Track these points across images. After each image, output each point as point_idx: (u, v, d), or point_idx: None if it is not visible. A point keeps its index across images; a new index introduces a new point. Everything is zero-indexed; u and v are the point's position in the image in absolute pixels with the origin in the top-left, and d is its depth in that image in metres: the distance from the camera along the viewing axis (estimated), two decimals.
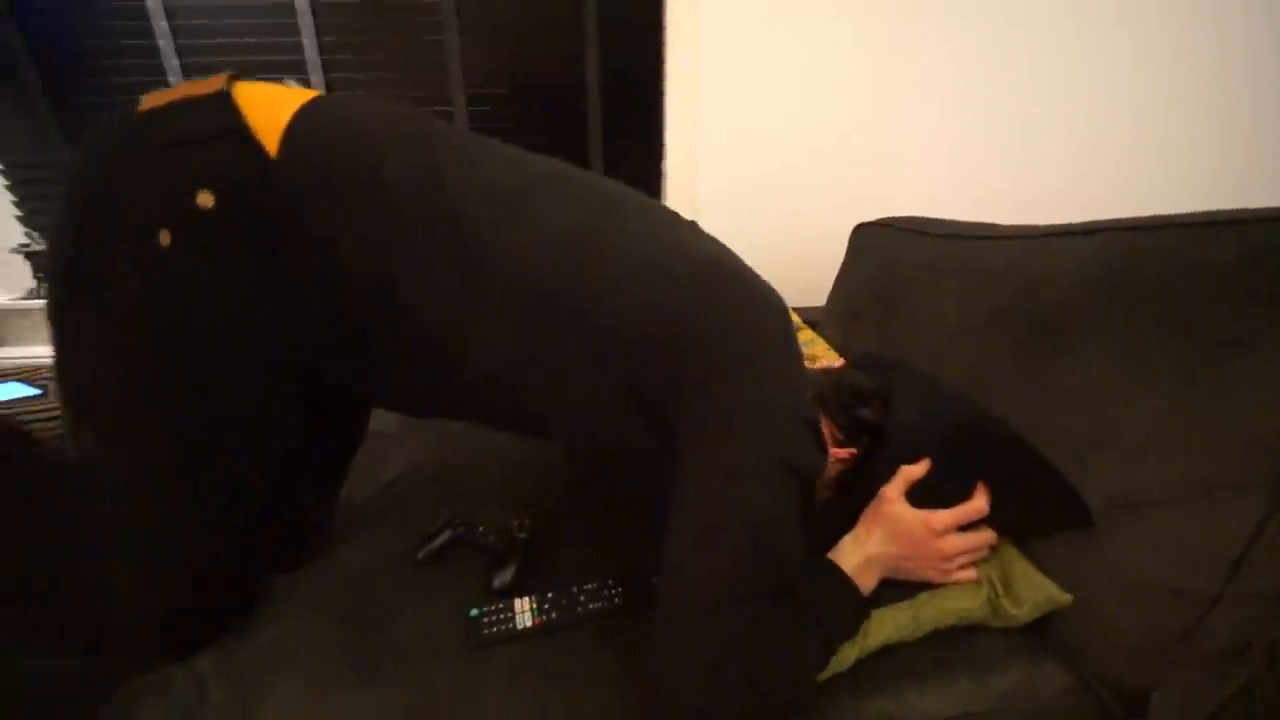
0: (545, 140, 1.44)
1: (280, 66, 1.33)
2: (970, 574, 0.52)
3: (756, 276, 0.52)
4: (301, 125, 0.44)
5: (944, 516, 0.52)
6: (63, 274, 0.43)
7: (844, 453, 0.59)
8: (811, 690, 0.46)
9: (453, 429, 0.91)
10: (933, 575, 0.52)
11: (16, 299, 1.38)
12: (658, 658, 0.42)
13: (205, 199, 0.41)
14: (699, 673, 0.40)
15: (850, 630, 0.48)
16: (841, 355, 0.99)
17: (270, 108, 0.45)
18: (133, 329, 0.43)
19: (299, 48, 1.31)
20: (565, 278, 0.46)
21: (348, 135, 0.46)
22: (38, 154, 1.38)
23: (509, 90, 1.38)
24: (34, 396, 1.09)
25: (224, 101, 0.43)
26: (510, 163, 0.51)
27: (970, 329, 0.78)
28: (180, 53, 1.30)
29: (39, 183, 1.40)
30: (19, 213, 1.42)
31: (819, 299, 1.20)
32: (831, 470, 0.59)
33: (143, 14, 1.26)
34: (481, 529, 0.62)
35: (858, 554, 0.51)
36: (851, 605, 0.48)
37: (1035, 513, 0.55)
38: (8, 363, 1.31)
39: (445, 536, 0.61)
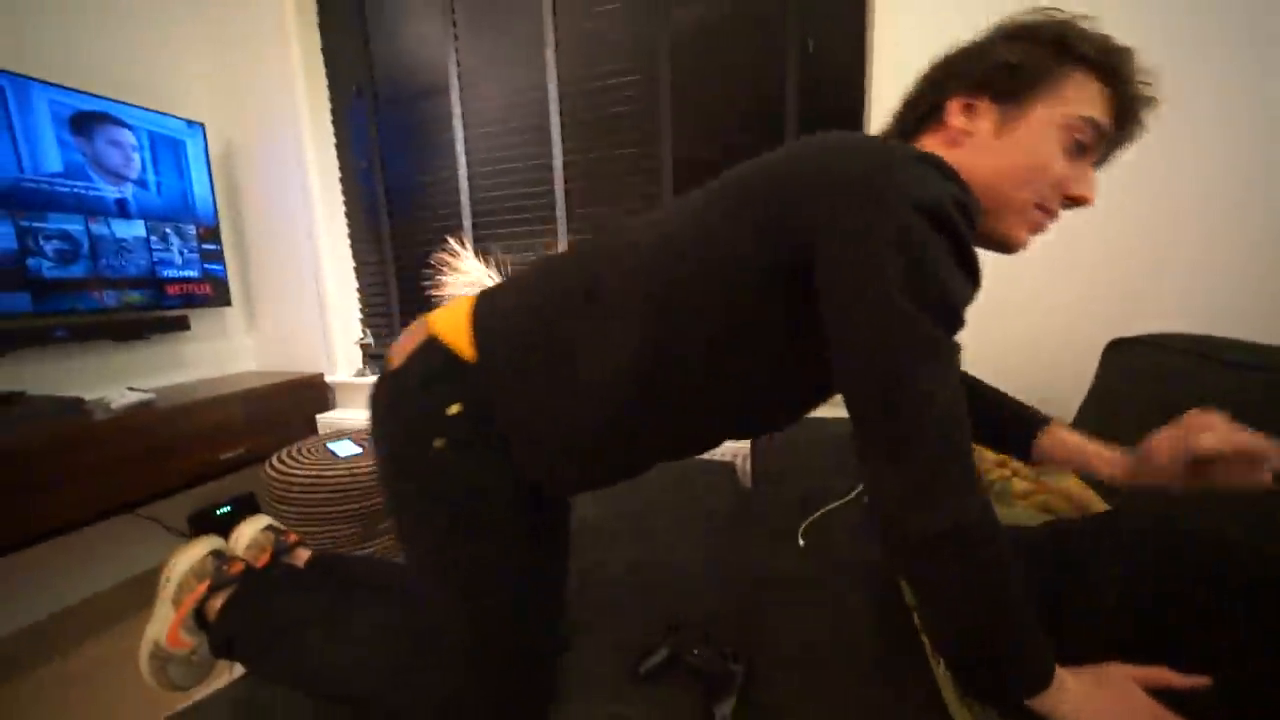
0: None
1: (533, 208, 1.72)
2: None
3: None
4: (478, 332, 0.57)
5: None
6: (388, 465, 0.60)
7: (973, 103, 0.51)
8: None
9: (660, 530, 0.99)
10: None
11: (351, 377, 1.94)
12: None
13: (455, 409, 0.55)
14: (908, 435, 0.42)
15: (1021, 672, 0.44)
16: (1103, 498, 0.83)
17: (455, 324, 0.58)
18: (429, 496, 0.58)
19: (550, 169, 1.69)
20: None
21: (516, 321, 0.57)
22: (378, 274, 1.97)
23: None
24: (357, 455, 1.50)
25: (440, 346, 0.57)
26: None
27: None
28: (473, 204, 1.78)
29: (378, 295, 1.99)
30: (360, 315, 2.02)
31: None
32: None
33: (455, 179, 1.78)
34: (698, 651, 0.65)
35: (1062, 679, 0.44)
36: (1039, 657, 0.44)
37: None
38: (343, 422, 1.82)
39: (663, 654, 0.66)
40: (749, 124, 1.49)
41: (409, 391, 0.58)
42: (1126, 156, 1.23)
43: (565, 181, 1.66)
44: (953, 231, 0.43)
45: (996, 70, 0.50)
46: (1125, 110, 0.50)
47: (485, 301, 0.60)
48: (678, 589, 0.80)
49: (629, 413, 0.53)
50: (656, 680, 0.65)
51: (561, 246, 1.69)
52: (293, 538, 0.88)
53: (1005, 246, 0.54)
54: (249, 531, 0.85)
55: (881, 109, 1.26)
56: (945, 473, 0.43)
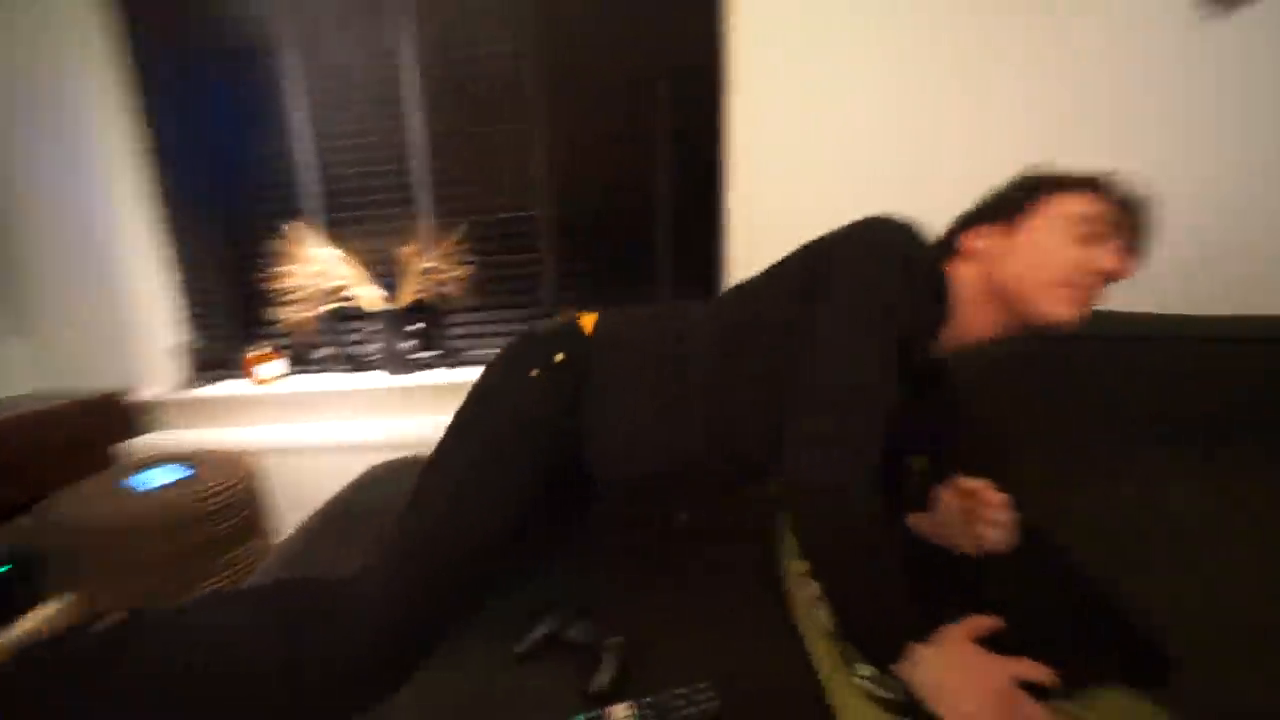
0: (616, 232, 1.58)
1: (394, 188, 1.57)
2: None
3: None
4: (600, 321, 0.77)
5: (1032, 669, 0.47)
6: (482, 385, 0.75)
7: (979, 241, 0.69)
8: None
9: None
10: None
11: (173, 391, 1.62)
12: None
13: (560, 357, 0.72)
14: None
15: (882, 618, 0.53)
16: None
17: (591, 315, 0.78)
18: (493, 413, 0.72)
19: (408, 175, 1.55)
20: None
21: (629, 322, 0.78)
22: (203, 268, 1.67)
23: (586, 199, 1.54)
24: (188, 477, 1.25)
25: (573, 322, 0.77)
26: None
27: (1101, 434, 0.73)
28: (325, 184, 1.58)
29: (203, 290, 1.69)
30: (189, 315, 1.70)
31: None
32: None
33: (298, 156, 1.56)
34: (576, 628, 0.63)
35: (917, 652, 0.50)
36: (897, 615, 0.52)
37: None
38: (167, 445, 1.52)
39: (541, 632, 0.63)
40: (623, 101, 1.48)
41: (534, 341, 0.76)
42: (935, 166, 1.33)
43: (431, 159, 1.53)
44: (908, 264, 0.62)
45: (992, 204, 0.71)
46: (1116, 203, 0.63)
47: (617, 308, 0.80)
48: (558, 569, 0.77)
49: (676, 405, 0.70)
50: (535, 659, 0.62)
51: (427, 232, 1.56)
52: (100, 606, 0.70)
53: (1050, 323, 0.63)
54: (41, 614, 0.69)
55: (739, 87, 1.33)
56: (849, 440, 0.55)
